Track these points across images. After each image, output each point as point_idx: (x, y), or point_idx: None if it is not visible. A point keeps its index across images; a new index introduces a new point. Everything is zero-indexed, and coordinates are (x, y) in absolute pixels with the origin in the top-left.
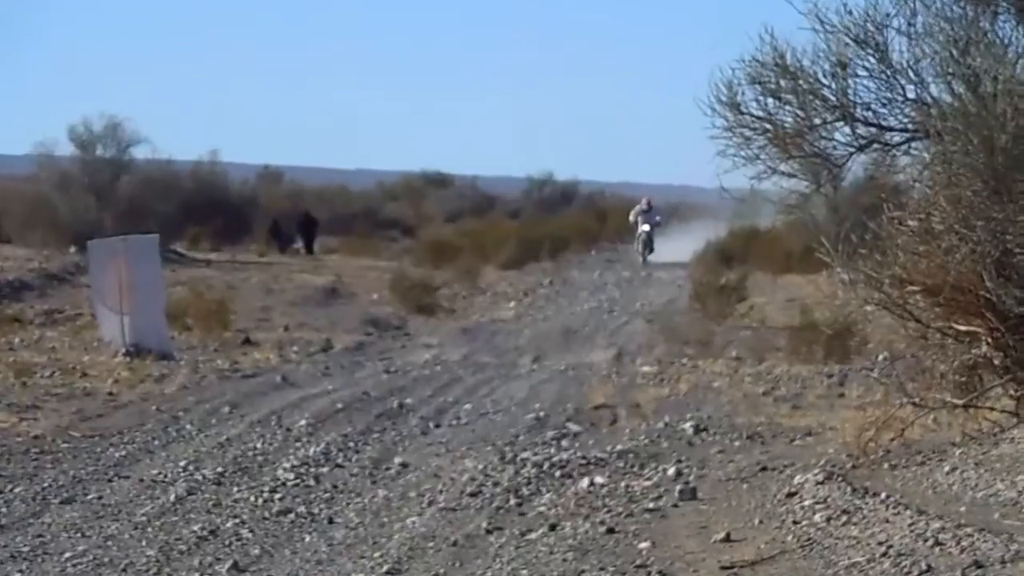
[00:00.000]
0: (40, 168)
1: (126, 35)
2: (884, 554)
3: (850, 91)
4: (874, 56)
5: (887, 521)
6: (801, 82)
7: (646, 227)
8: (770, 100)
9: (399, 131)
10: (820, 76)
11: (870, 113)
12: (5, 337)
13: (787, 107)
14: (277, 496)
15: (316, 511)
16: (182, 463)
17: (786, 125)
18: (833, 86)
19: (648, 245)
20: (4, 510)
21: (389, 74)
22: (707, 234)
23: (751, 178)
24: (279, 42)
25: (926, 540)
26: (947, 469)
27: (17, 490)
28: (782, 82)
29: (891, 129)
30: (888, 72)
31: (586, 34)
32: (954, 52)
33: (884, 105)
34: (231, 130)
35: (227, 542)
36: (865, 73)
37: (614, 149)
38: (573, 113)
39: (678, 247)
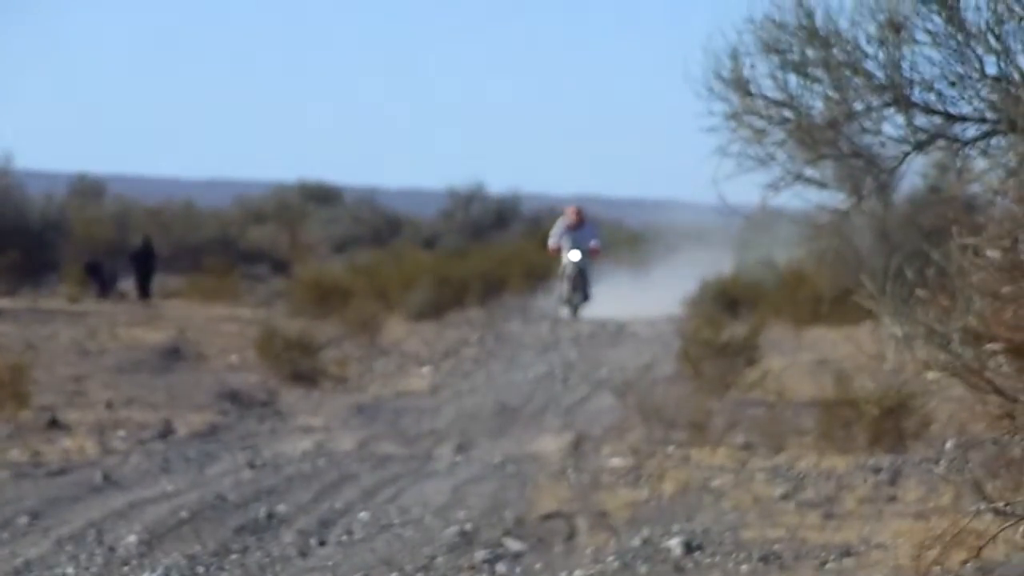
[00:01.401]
0: None
1: None
2: None
3: (905, 64)
4: (940, 14)
5: None
6: (836, 51)
7: (575, 256)
8: (792, 76)
9: (265, 128)
10: (863, 42)
11: (933, 96)
12: None
13: (816, 86)
14: None
15: None
16: None
17: (814, 112)
18: (881, 57)
19: (579, 286)
20: None
21: (248, 52)
22: (702, 270)
23: (765, 187)
24: (101, 11)
25: None
26: None
27: None
28: (809, 51)
29: (963, 119)
30: (960, 37)
31: None
32: None
33: (953, 85)
34: (29, 126)
35: None
36: (927, 39)
37: (567, 150)
38: (508, 100)
39: (657, 293)
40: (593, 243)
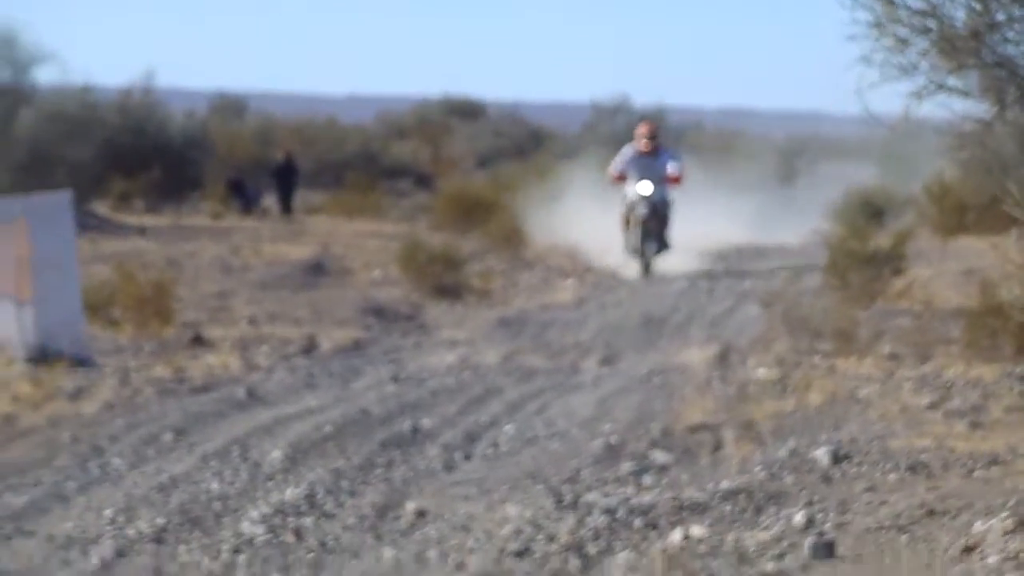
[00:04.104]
0: None
1: None
2: None
3: None
4: None
5: None
6: None
7: (645, 188)
8: None
9: (408, 41)
10: None
11: None
12: None
13: None
14: (241, 558)
15: None
16: (108, 513)
17: (957, 22)
18: None
19: (653, 231)
20: None
21: None
22: (846, 181)
23: (909, 96)
24: None
25: None
26: None
27: None
28: None
29: None
30: None
31: None
32: None
33: None
34: (172, 44)
35: None
36: None
37: (713, 62)
38: (652, 13)
39: (802, 205)
40: (671, 168)
